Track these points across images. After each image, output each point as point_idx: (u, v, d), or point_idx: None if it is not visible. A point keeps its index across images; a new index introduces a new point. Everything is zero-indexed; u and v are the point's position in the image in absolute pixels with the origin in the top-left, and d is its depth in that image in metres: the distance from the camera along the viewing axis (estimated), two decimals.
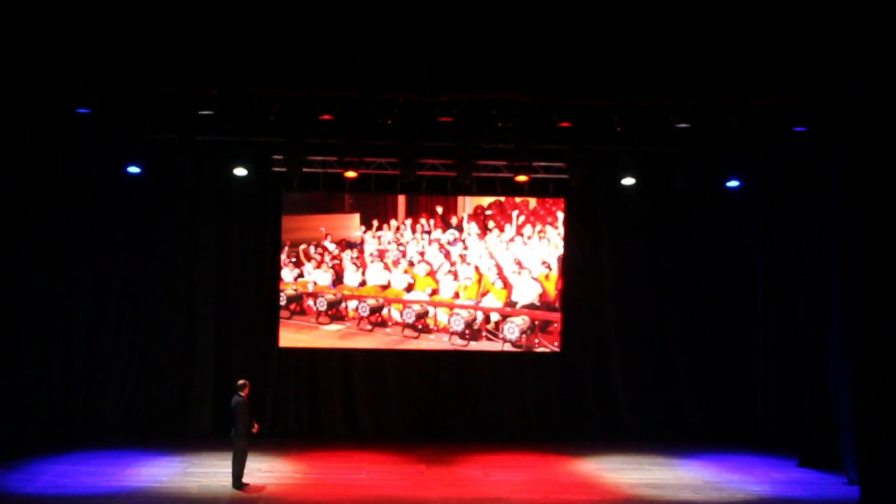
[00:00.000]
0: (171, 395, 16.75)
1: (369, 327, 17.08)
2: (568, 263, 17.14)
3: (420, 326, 17.07)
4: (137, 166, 15.76)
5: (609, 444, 16.40)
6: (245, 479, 13.13)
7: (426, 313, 17.08)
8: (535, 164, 15.81)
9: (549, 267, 17.07)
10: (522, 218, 17.12)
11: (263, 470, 14.11)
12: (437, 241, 17.13)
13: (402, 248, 17.11)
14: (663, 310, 17.41)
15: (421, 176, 16.00)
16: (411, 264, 17.08)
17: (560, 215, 17.05)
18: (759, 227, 16.90)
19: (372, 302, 17.08)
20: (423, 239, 17.13)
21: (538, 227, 17.10)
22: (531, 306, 17.06)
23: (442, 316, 17.08)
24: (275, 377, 16.99)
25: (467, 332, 17.03)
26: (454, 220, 17.18)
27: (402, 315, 17.02)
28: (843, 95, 12.56)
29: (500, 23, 12.00)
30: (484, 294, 17.05)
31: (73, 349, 16.30)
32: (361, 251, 17.11)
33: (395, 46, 12.19)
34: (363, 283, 17.12)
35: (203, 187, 16.64)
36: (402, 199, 17.15)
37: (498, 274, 17.05)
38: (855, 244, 13.32)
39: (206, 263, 16.90)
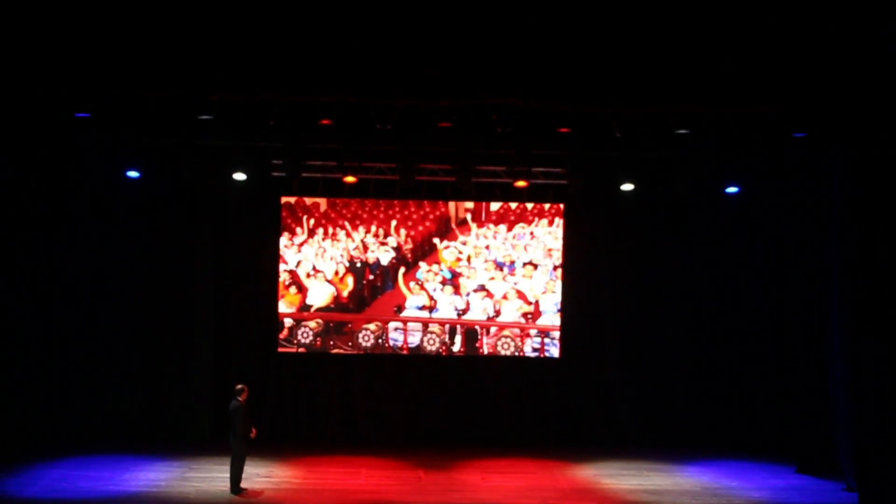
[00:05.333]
0: (170, 399, 16.73)
1: None
2: (567, 269, 17.14)
3: None
4: (137, 170, 15.74)
5: (608, 450, 16.40)
6: (243, 484, 13.12)
7: None
8: (534, 169, 15.80)
9: (340, 269, 17.05)
10: (313, 221, 17.06)
11: (262, 475, 14.10)
12: None
13: None
14: (662, 316, 17.40)
15: (420, 181, 15.99)
16: None
17: (354, 228, 17.02)
18: (758, 233, 16.90)
19: None
20: None
21: (330, 229, 17.05)
22: (327, 308, 17.05)
23: None
24: (273, 382, 16.99)
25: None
26: None
27: None
28: (843, 101, 12.59)
29: (500, 28, 12.03)
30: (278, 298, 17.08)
31: (72, 353, 16.27)
32: None
33: (394, 51, 12.22)
34: None
35: (202, 192, 16.65)
36: None
37: (292, 278, 17.06)
38: (855, 250, 13.32)
39: (205, 268, 16.89)
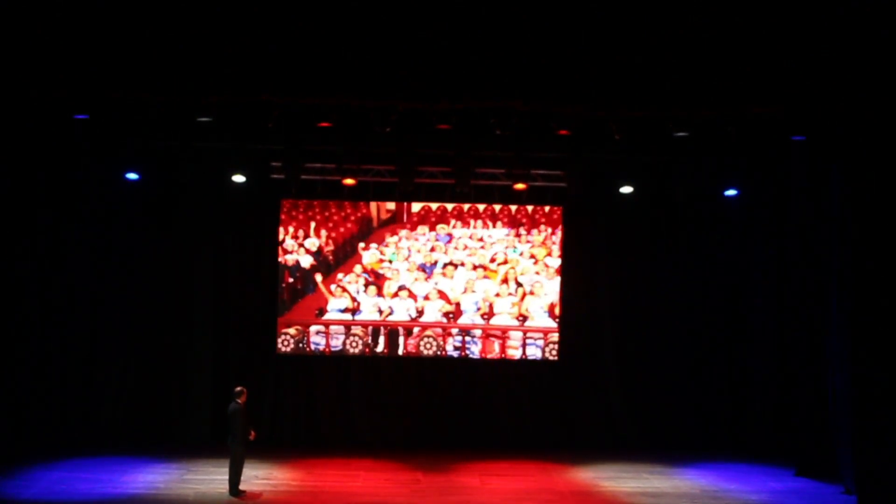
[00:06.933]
0: (169, 401, 16.72)
1: None
2: (566, 272, 17.14)
3: None
4: (136, 173, 15.74)
5: (606, 453, 16.38)
6: (242, 487, 13.12)
7: None
8: (533, 171, 15.81)
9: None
10: None
11: (260, 477, 14.10)
12: None
13: None
14: (661, 318, 17.38)
15: (419, 183, 15.99)
16: None
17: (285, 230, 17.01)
18: (757, 236, 16.90)
19: None
20: None
21: None
22: None
23: None
24: (272, 384, 16.97)
25: None
26: None
27: None
28: (842, 104, 12.59)
29: (499, 31, 12.04)
30: None
31: (71, 355, 16.25)
32: None
33: (393, 54, 12.22)
34: None
35: (201, 194, 16.63)
36: None
37: None
38: (853, 254, 13.33)
39: (204, 270, 16.89)
